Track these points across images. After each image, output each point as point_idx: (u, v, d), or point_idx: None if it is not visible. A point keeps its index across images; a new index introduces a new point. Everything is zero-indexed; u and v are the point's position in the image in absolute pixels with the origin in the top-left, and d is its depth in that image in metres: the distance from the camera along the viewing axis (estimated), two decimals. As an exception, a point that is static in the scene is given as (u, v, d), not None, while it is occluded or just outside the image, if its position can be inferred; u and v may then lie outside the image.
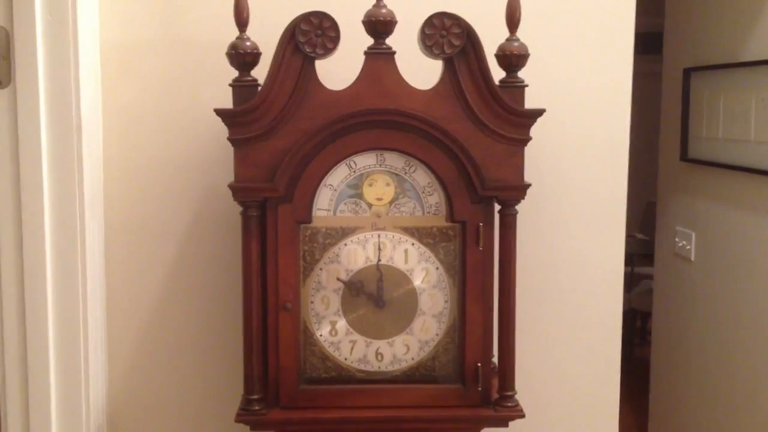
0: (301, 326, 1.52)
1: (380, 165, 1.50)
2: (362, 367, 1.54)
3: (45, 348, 1.61)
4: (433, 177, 1.50)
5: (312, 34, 1.43)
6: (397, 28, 1.45)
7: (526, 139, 1.48)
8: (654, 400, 3.33)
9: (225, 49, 1.45)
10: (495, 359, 1.58)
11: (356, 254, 1.52)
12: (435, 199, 1.51)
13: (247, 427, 1.51)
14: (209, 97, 1.69)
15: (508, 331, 1.52)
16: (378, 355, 1.54)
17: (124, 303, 1.79)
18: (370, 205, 1.52)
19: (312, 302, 1.52)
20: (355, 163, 1.50)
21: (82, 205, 1.61)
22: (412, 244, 1.52)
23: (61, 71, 1.57)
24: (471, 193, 1.48)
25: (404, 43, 1.47)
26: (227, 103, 1.47)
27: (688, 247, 2.95)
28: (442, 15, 1.44)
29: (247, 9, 1.45)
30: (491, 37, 1.47)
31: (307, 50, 1.43)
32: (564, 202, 1.82)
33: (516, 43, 1.47)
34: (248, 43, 1.44)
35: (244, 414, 1.48)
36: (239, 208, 1.47)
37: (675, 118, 3.02)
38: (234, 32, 1.45)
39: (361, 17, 1.44)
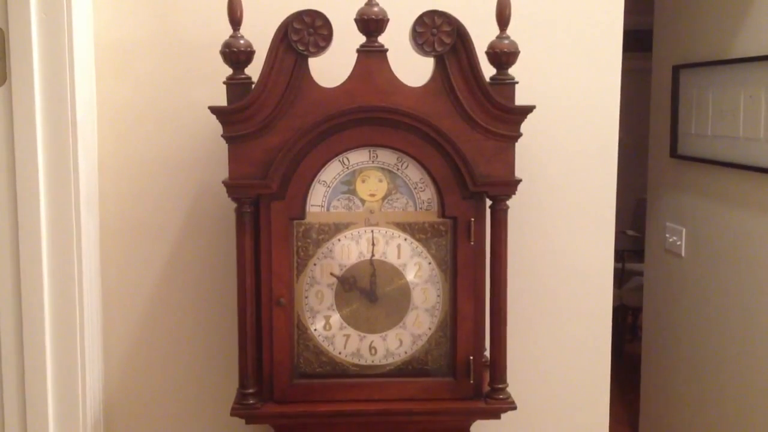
0: (295, 321, 1.53)
1: (373, 161, 1.52)
2: (356, 361, 1.55)
3: (41, 344, 1.62)
4: (425, 173, 1.51)
5: (304, 33, 1.44)
6: (389, 26, 1.47)
7: (517, 136, 1.50)
8: (645, 395, 3.35)
9: (219, 47, 1.47)
10: (487, 353, 1.60)
11: (349, 249, 1.53)
12: (427, 195, 1.53)
13: (242, 421, 1.52)
14: (203, 95, 1.70)
15: (500, 324, 1.54)
16: (371, 349, 1.56)
17: (119, 299, 1.80)
18: (363, 201, 1.53)
19: (306, 297, 1.54)
20: (348, 159, 1.51)
21: (77, 202, 1.62)
22: (405, 240, 1.54)
23: (56, 70, 1.58)
24: (462, 188, 1.49)
25: (396, 40, 1.49)
26: (221, 101, 1.48)
27: (678, 243, 2.97)
28: (432, 13, 1.45)
29: (241, 8, 1.46)
30: (482, 34, 1.49)
31: (300, 48, 1.45)
32: (554, 198, 1.84)
33: (506, 41, 1.49)
34: (242, 42, 1.46)
35: (238, 408, 1.50)
36: (233, 205, 1.49)
37: (664, 115, 3.04)
38: (228, 31, 1.46)
39: (354, 15, 1.46)
